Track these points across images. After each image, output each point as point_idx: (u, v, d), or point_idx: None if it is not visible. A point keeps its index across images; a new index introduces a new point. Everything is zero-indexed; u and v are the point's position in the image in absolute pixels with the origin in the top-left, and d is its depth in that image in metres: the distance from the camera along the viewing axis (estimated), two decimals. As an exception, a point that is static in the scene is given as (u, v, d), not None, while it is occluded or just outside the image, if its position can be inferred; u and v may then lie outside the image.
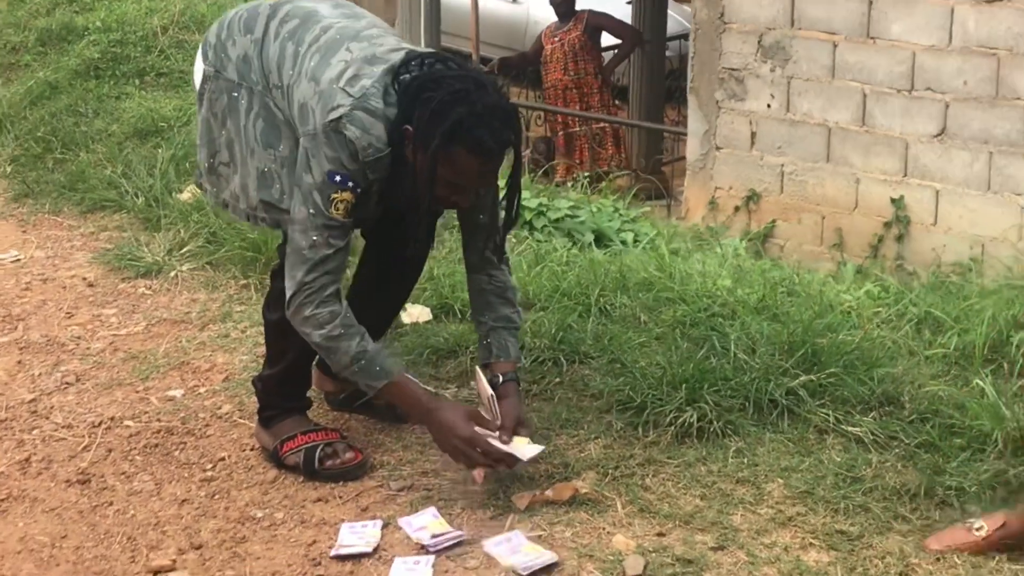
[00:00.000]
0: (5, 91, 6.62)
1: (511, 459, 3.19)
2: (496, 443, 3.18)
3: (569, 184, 8.10)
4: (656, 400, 3.48)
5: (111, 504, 3.37)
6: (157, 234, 5.10)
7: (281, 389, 3.53)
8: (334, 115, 3.04)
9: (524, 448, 3.21)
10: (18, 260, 5.07)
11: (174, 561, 3.10)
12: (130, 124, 5.99)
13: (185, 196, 5.29)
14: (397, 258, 3.49)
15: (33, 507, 3.38)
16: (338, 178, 3.07)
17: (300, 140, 3.14)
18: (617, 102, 12.07)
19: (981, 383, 3.46)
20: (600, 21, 10.88)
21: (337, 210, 3.09)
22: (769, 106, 8.12)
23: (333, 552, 3.08)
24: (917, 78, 7.38)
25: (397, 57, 3.12)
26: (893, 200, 7.59)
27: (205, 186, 3.51)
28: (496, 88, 3.12)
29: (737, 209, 8.46)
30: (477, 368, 3.41)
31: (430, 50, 3.24)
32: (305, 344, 3.42)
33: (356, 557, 3.06)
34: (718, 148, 8.46)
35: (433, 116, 2.98)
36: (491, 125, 2.99)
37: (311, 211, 3.10)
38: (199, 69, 3.45)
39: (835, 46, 7.74)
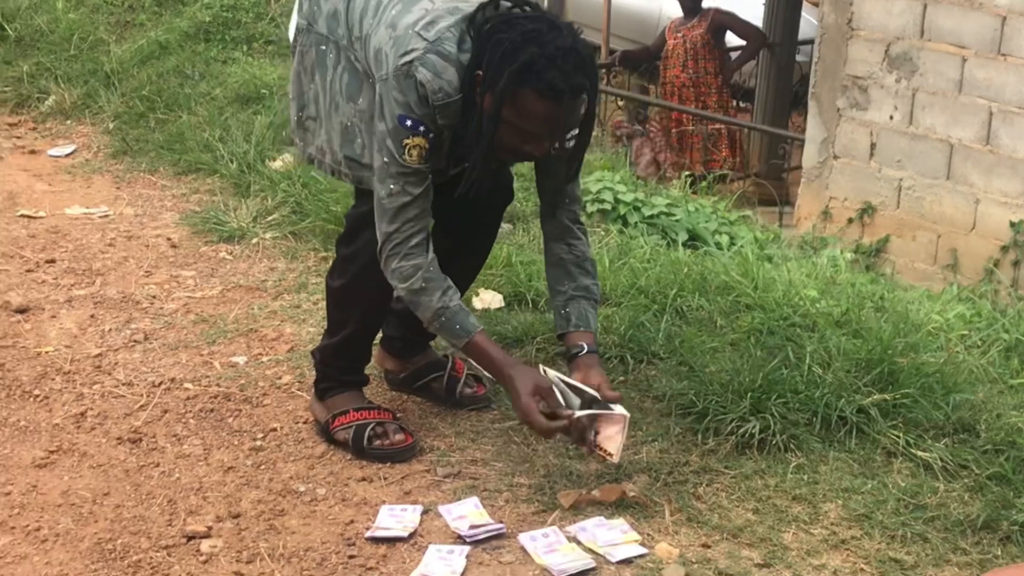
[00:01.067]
0: (117, 48, 6.67)
1: (581, 432, 3.09)
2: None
3: (674, 182, 7.96)
4: (719, 407, 3.36)
5: (157, 465, 3.35)
6: (245, 200, 5.08)
7: (338, 361, 3.47)
8: (406, 59, 2.98)
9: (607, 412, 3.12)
10: (107, 215, 5.10)
11: (210, 528, 3.06)
12: (233, 89, 6.00)
13: (276, 164, 5.27)
14: (466, 231, 3.43)
15: (81, 462, 3.37)
16: (409, 122, 3.00)
17: (376, 88, 3.08)
18: (741, 104, 11.90)
19: (1064, 418, 3.29)
20: (725, 20, 10.68)
21: (411, 156, 3.03)
22: (892, 117, 7.90)
23: (368, 533, 3.01)
24: (1047, 98, 7.14)
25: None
26: (1012, 224, 7.34)
27: (294, 138, 3.47)
28: (572, 31, 2.99)
29: (850, 221, 8.25)
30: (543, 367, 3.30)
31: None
32: (365, 317, 3.39)
33: (391, 541, 2.99)
34: (835, 157, 8.27)
35: (503, 56, 2.89)
36: (563, 67, 2.88)
37: (385, 159, 3.05)
38: (294, 22, 3.42)
39: (964, 60, 7.51)
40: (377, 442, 3.35)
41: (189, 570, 2.91)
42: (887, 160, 7.96)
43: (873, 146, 8.03)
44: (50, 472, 3.32)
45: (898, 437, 3.30)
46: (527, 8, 3.04)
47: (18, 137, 6.04)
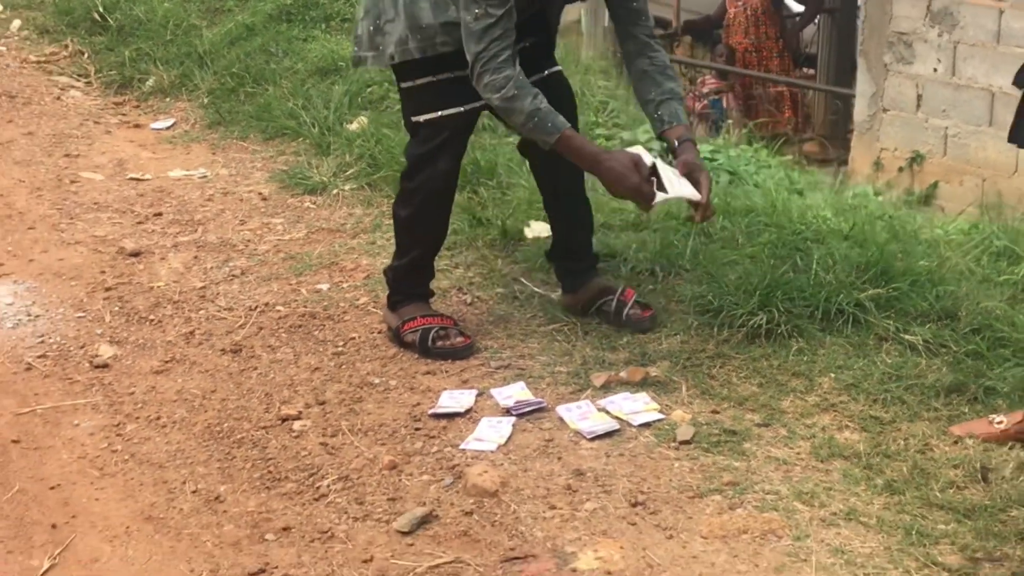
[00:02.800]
0: (209, 33, 7.30)
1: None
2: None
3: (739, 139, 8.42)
4: (732, 304, 3.89)
5: (255, 369, 3.95)
6: (326, 158, 5.67)
7: (407, 278, 4.04)
8: None
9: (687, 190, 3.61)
10: (205, 176, 5.71)
11: (300, 412, 3.66)
12: (313, 63, 6.59)
13: (353, 126, 5.85)
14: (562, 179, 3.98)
15: (191, 368, 3.98)
16: None
17: None
18: (805, 69, 12.28)
19: (1031, 302, 3.78)
20: (783, -14, 11.13)
21: None
22: (935, 70, 8.32)
23: (431, 411, 3.59)
24: (1083, 44, 7.52)
25: None
26: (1053, 165, 7.74)
27: (366, 55, 3.88)
28: None
29: (900, 170, 8.67)
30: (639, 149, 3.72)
31: None
32: (428, 240, 3.95)
33: (450, 416, 3.56)
34: (885, 110, 8.70)
35: None
36: None
37: None
38: None
39: (1001, 12, 7.90)
40: (440, 343, 3.91)
41: (284, 443, 3.51)
42: (933, 110, 8.38)
43: (919, 98, 8.45)
44: (166, 377, 3.94)
45: (889, 324, 3.81)
46: None
47: (123, 114, 6.69)
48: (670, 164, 3.69)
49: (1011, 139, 3.43)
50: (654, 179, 3.59)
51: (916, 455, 3.23)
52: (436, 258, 4.14)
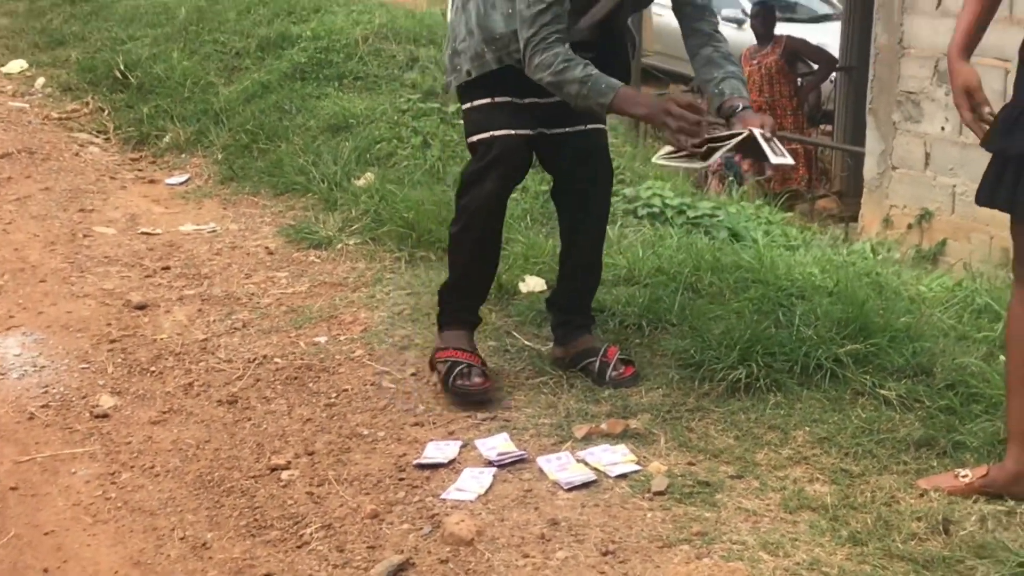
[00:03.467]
0: (225, 90, 7.48)
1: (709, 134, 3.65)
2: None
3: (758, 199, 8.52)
4: (714, 359, 3.99)
5: (249, 420, 4.07)
6: (333, 213, 5.82)
7: (453, 298, 4.17)
8: None
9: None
10: (214, 231, 5.86)
11: (289, 462, 3.77)
12: (325, 120, 6.75)
13: (360, 182, 6.00)
14: (581, 188, 4.12)
15: (188, 419, 4.10)
16: None
17: None
18: (822, 126, 12.42)
19: (1005, 356, 3.84)
20: (797, 46, 11.28)
21: None
22: (943, 128, 8.44)
23: (416, 461, 3.69)
24: (1084, 104, 7.58)
25: None
26: (1056, 221, 7.79)
27: (450, 79, 4.08)
28: None
29: (910, 227, 8.78)
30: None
31: None
32: (476, 257, 4.08)
33: (434, 467, 3.66)
34: (894, 168, 8.81)
35: None
36: None
37: None
38: None
39: (1007, 72, 7.97)
40: (460, 381, 4.00)
41: (271, 492, 3.61)
42: (941, 168, 8.49)
43: (927, 156, 8.57)
44: (162, 427, 4.06)
45: (866, 380, 3.90)
46: None
47: (140, 170, 6.86)
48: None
49: (978, 200, 3.52)
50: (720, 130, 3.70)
51: (882, 507, 3.31)
52: (487, 292, 4.28)
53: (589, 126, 4.10)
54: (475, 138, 4.00)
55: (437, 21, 8.56)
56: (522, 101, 3.97)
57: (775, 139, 3.68)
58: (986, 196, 3.35)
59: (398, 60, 7.43)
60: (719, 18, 11.91)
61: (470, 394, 4.00)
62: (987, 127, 3.24)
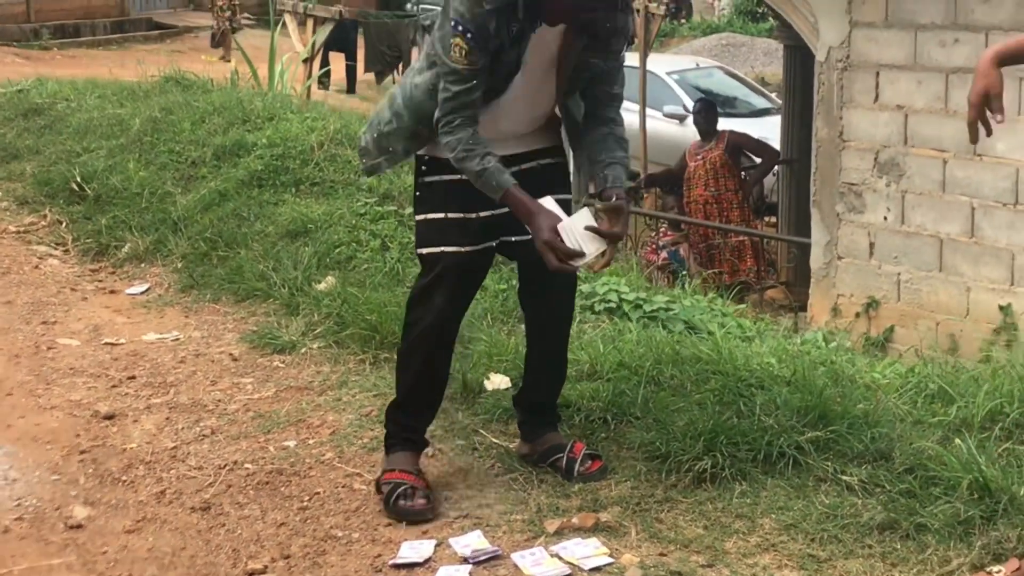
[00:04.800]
0: (183, 199, 7.57)
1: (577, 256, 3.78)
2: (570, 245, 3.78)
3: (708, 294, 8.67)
4: (679, 450, 4.08)
5: (223, 526, 4.11)
6: (295, 318, 5.90)
7: (398, 417, 4.21)
8: None
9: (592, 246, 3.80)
10: (178, 339, 5.92)
11: (266, 567, 3.81)
12: (283, 226, 6.85)
13: (321, 286, 6.09)
14: (545, 292, 4.20)
15: (162, 527, 4.14)
16: (455, 23, 3.72)
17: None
18: (766, 218, 12.67)
19: (960, 441, 3.97)
20: (740, 140, 11.55)
21: (454, 54, 3.74)
22: (886, 218, 8.65)
23: (391, 561, 3.75)
24: (1022, 192, 7.84)
25: None
26: (1001, 307, 8.01)
27: (378, 161, 4.14)
28: None
29: (857, 315, 8.95)
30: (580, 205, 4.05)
31: None
32: (419, 376, 4.13)
33: (410, 566, 3.72)
34: (839, 258, 9.00)
35: None
36: None
37: (440, 59, 3.79)
38: None
39: (945, 163, 8.25)
40: (401, 502, 4.04)
41: (250, 597, 3.67)
42: (885, 257, 8.68)
43: (872, 245, 8.76)
44: (137, 536, 4.09)
45: (828, 466, 4.01)
46: None
47: (100, 280, 6.92)
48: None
49: None
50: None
51: (850, 591, 3.40)
52: (434, 413, 4.31)
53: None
54: (423, 251, 4.07)
55: (390, 126, 8.70)
56: (478, 216, 4.03)
57: (582, 234, 3.82)
58: None
59: (353, 165, 7.54)
60: (661, 113, 12.27)
61: (411, 514, 4.01)
62: (982, 129, 3.28)
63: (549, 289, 4.18)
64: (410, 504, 4.04)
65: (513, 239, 4.12)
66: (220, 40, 23.37)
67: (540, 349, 4.30)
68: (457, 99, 3.81)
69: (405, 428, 4.21)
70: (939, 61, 8.15)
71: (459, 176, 3.96)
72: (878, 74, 8.53)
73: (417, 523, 3.99)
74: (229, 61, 19.93)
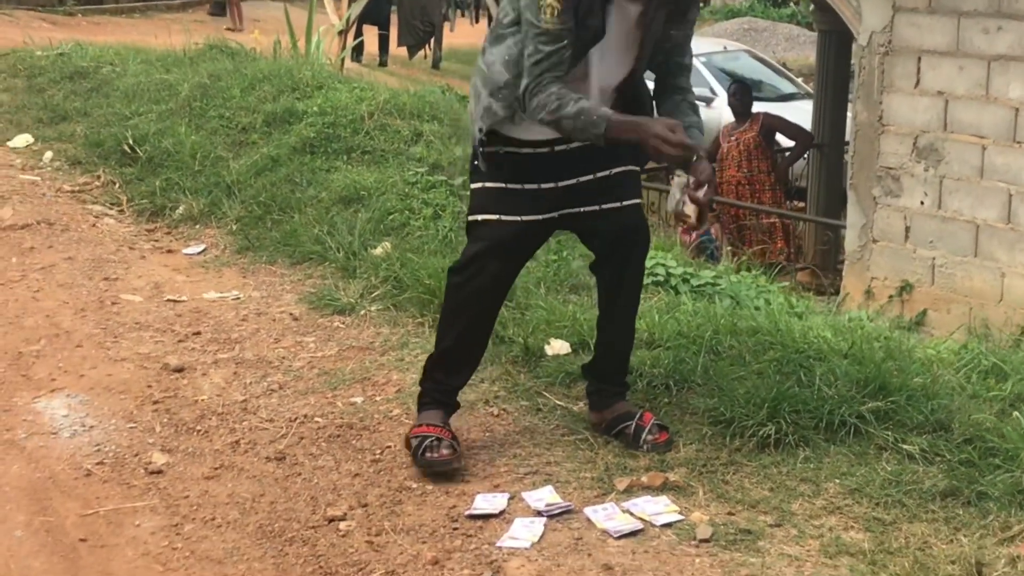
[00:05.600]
0: (235, 164, 7.70)
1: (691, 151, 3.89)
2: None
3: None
4: (743, 416, 4.22)
5: (300, 475, 4.25)
6: (352, 281, 6.03)
7: (434, 372, 4.33)
8: None
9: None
10: (238, 298, 6.06)
11: (345, 514, 3.95)
12: (337, 192, 6.97)
13: (378, 251, 6.22)
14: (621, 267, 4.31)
15: (240, 474, 4.28)
16: None
17: None
18: (795, 201, 12.77)
19: (1019, 415, 4.10)
20: (774, 123, 11.65)
21: (545, 15, 3.86)
22: (922, 203, 8.76)
23: (467, 512, 3.89)
24: (1059, 180, 7.95)
25: None
26: (1035, 294, 8.12)
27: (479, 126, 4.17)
28: None
29: (891, 298, 9.06)
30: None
31: None
32: (462, 335, 4.24)
33: (486, 517, 3.86)
34: (875, 241, 9.11)
35: None
36: None
37: (531, 22, 3.88)
38: None
39: (984, 149, 8.35)
40: (428, 454, 4.14)
41: (332, 541, 3.80)
42: (920, 241, 8.80)
43: (907, 229, 8.88)
44: (216, 482, 4.23)
45: (888, 435, 4.14)
46: None
47: (156, 240, 7.05)
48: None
49: None
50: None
51: (916, 552, 3.53)
52: (471, 373, 4.43)
53: (625, 203, 4.26)
54: (478, 217, 4.17)
55: (438, 98, 8.83)
56: (539, 187, 4.14)
57: (686, 197, 3.97)
58: None
59: (403, 135, 7.67)
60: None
61: (434, 464, 4.13)
62: None
63: (621, 264, 4.29)
64: (435, 455, 4.14)
65: (582, 209, 4.22)
66: (221, 10, 23.37)
67: (611, 321, 4.41)
68: (549, 59, 3.90)
69: (438, 386, 4.32)
70: (981, 48, 8.25)
71: (520, 150, 4.09)
72: (919, 59, 8.64)
73: (443, 473, 4.10)
74: (241, 31, 19.88)
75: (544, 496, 3.94)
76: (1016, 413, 4.15)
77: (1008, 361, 4.74)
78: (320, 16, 13.56)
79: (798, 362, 4.58)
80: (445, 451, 4.15)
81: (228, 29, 21.06)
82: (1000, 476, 3.85)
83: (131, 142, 8.16)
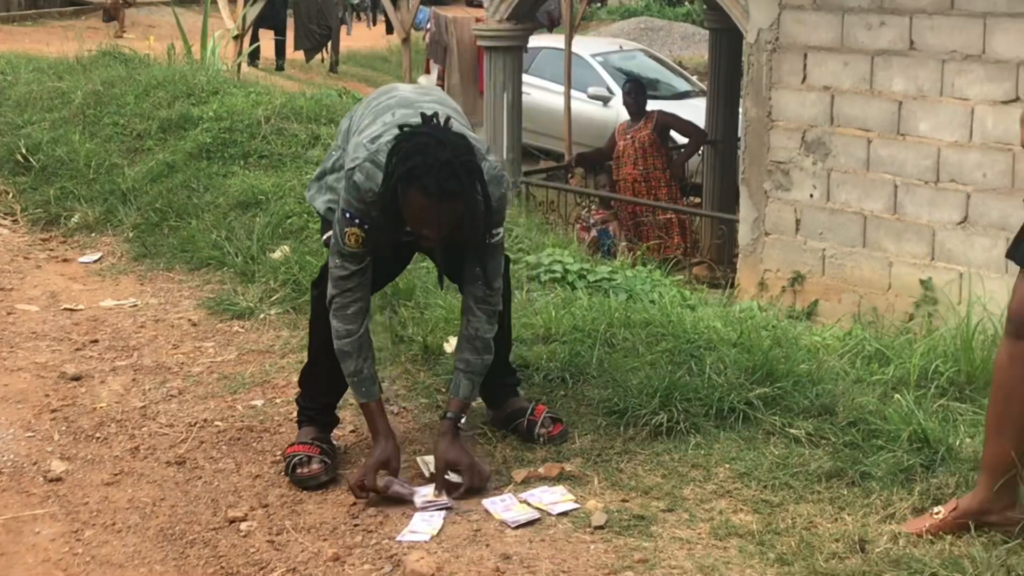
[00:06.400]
0: (131, 171, 7.68)
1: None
2: (398, 488, 3.97)
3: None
4: (636, 405, 4.32)
5: (200, 478, 4.28)
6: (251, 285, 6.06)
7: (304, 387, 4.40)
8: (352, 164, 3.92)
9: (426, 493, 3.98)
10: (135, 305, 6.06)
11: (246, 515, 3.99)
12: (234, 197, 6.99)
13: (276, 255, 6.25)
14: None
15: (140, 480, 4.30)
16: (348, 215, 3.93)
17: None
18: (691, 197, 12.96)
19: (900, 397, 4.25)
20: (668, 121, 11.82)
21: (349, 241, 3.94)
22: (812, 196, 8.95)
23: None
24: (942, 171, 8.17)
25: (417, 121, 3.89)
26: (922, 282, 8.34)
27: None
28: (458, 148, 3.74)
29: (784, 290, 9.26)
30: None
31: (440, 112, 3.94)
32: (323, 348, 4.20)
33: (386, 513, 3.93)
34: (767, 234, 9.29)
35: (397, 163, 3.75)
36: (437, 175, 3.67)
37: (335, 240, 3.98)
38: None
39: (869, 142, 8.56)
40: (299, 470, 4.18)
41: (233, 542, 3.84)
42: (811, 233, 9.00)
43: (798, 222, 9.07)
44: (116, 488, 4.25)
45: (775, 420, 4.27)
46: (442, 123, 3.84)
47: (51, 249, 7.02)
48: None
49: (1008, 255, 3.71)
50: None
51: (803, 531, 3.65)
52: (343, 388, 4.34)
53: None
54: (328, 235, 4.18)
55: (335, 101, 8.86)
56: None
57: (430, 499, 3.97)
58: (1011, 251, 3.61)
59: (301, 139, 7.71)
60: (585, 95, 12.47)
61: (304, 480, 4.16)
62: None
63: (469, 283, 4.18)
64: (306, 471, 4.18)
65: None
66: (112, 15, 23.12)
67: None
68: (353, 278, 4.00)
69: (312, 403, 4.37)
70: (865, 44, 8.46)
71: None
72: (806, 55, 8.83)
73: (310, 487, 4.13)
74: (122, 37, 19.64)
75: (427, 492, 4.01)
76: (897, 396, 4.29)
77: (890, 347, 4.90)
78: (215, 20, 13.53)
79: (689, 352, 4.70)
80: (315, 466, 4.19)
81: (116, 36, 20.86)
82: (883, 456, 3.97)
83: (24, 151, 8.11)
